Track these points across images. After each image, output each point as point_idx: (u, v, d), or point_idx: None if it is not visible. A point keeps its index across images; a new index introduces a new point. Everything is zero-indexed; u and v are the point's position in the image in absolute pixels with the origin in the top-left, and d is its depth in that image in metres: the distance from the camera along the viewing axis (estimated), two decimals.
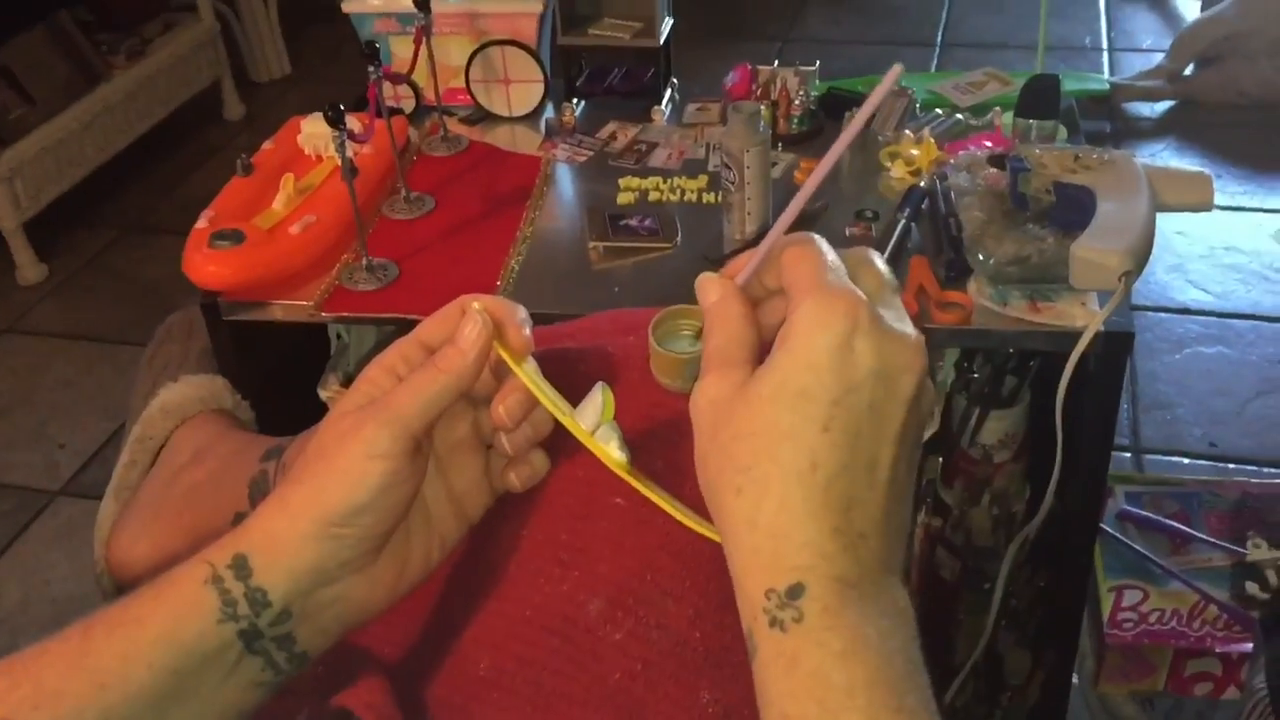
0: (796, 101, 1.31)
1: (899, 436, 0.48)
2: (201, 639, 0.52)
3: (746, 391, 0.49)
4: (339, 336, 1.21)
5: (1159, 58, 2.91)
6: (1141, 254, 0.95)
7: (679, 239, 1.15)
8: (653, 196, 1.23)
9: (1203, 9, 3.03)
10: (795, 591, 0.46)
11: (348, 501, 0.54)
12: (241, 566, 0.53)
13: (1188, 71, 2.83)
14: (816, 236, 0.52)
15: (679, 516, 0.57)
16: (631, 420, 0.61)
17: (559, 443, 0.63)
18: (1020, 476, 1.21)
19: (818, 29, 3.30)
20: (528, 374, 0.59)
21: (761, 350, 0.52)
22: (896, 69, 0.51)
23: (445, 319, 0.59)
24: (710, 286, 0.53)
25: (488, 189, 1.25)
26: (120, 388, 2.10)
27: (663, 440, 0.62)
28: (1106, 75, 2.92)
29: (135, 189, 2.72)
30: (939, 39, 3.21)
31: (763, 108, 1.13)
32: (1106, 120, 2.77)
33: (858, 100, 1.31)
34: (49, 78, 2.43)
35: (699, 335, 0.56)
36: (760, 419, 0.48)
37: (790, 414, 0.47)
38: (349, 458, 0.54)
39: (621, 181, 1.25)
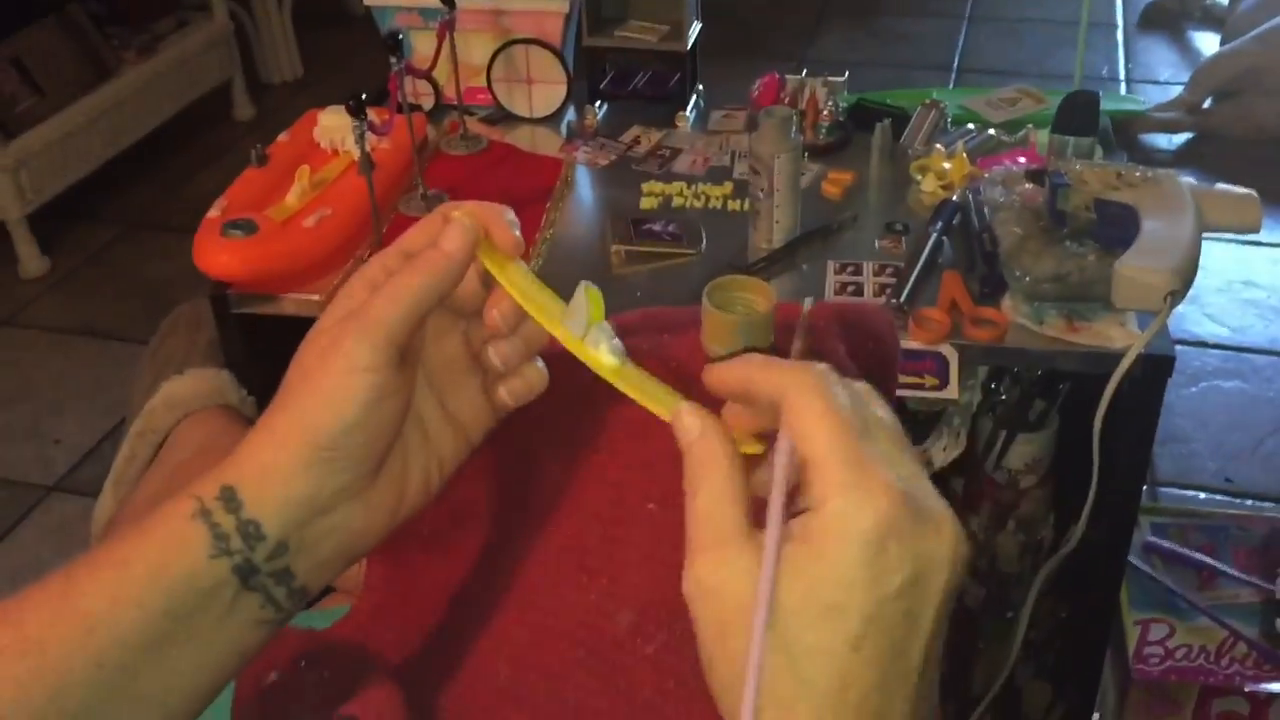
0: (825, 111, 1.28)
1: (931, 636, 0.43)
2: (193, 576, 0.48)
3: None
4: None
5: (1176, 90, 2.89)
6: (1187, 274, 0.92)
7: (703, 245, 1.11)
8: (676, 202, 1.20)
9: (1222, 43, 3.01)
10: None
11: (335, 421, 0.50)
12: (230, 499, 0.49)
13: (1206, 104, 2.81)
14: (824, 371, 0.44)
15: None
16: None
17: (581, 435, 0.60)
18: (1046, 503, 1.18)
19: (834, 51, 3.28)
20: (513, 276, 0.54)
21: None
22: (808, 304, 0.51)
23: (427, 227, 0.54)
24: (690, 422, 0.46)
25: (506, 189, 1.22)
26: (118, 384, 2.06)
27: None
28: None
29: (141, 186, 2.69)
30: (954, 64, 3.19)
31: (795, 114, 1.10)
32: (1123, 151, 2.74)
33: (886, 112, 1.28)
34: (59, 70, 2.40)
35: (752, 305, 0.57)
36: (781, 633, 0.41)
37: (818, 631, 0.41)
38: (331, 375, 0.50)
39: (644, 186, 1.22)
